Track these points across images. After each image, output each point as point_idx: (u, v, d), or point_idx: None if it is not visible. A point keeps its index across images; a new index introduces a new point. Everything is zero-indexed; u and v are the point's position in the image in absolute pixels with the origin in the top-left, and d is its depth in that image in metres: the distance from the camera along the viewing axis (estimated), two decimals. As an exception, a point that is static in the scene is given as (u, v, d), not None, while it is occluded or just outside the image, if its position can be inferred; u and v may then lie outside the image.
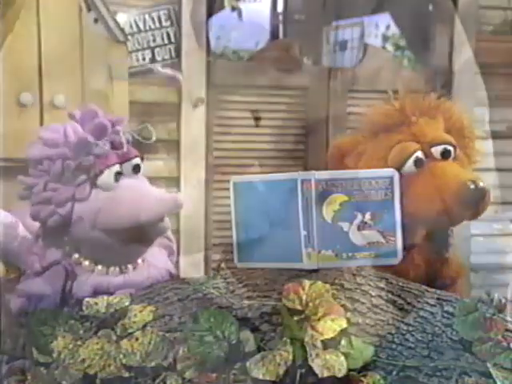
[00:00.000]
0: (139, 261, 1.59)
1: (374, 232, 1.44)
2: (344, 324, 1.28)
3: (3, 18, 2.27)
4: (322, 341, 1.26)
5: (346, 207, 1.42)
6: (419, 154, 1.65)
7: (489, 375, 1.26)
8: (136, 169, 1.57)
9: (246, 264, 1.50)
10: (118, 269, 1.55)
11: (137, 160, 1.57)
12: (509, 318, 1.33)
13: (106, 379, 1.34)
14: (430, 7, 3.14)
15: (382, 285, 1.42)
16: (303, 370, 1.26)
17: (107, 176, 1.51)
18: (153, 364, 1.33)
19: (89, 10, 2.45)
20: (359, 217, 1.43)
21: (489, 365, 1.27)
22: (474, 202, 1.60)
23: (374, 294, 1.39)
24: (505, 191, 2.81)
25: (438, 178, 1.63)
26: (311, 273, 1.40)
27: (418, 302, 1.39)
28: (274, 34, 3.62)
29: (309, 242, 1.41)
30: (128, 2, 2.68)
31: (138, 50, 2.71)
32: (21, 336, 1.44)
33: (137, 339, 1.35)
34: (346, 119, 2.96)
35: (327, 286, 1.32)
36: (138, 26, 2.70)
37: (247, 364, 1.28)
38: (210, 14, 2.83)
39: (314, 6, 3.47)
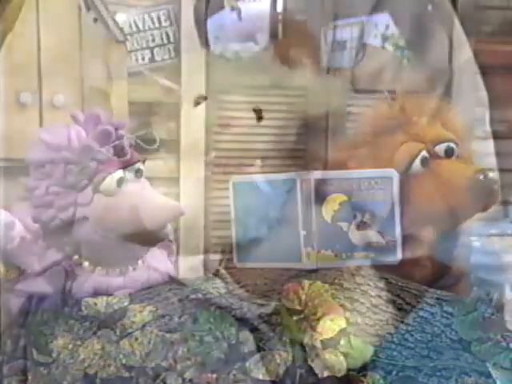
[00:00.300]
0: (139, 262, 1.59)
1: (373, 232, 1.44)
2: (343, 324, 1.29)
3: (2, 17, 2.27)
4: (321, 341, 1.26)
5: (346, 207, 1.43)
6: (424, 153, 1.64)
7: (488, 375, 1.26)
8: (138, 173, 1.56)
9: (245, 264, 1.50)
10: (117, 270, 1.56)
11: (139, 164, 1.57)
12: (508, 318, 1.33)
13: (105, 379, 1.34)
14: (430, 7, 3.13)
15: (381, 285, 1.41)
16: (303, 370, 1.27)
17: (110, 182, 1.50)
18: (153, 364, 1.33)
19: (88, 9, 2.45)
20: (359, 217, 1.43)
21: (488, 365, 1.27)
22: (486, 193, 1.59)
23: (373, 293, 1.39)
24: (505, 191, 2.80)
25: (446, 175, 1.62)
26: (311, 273, 1.40)
27: (418, 301, 1.39)
28: (273, 34, 3.61)
29: (308, 242, 1.41)
30: (127, 1, 2.68)
31: (137, 50, 2.71)
32: (21, 336, 1.44)
33: (136, 339, 1.35)
34: (346, 119, 2.95)
35: (326, 285, 1.33)
36: (137, 25, 2.70)
37: (247, 364, 1.28)
38: (209, 14, 2.83)
39: (313, 5, 3.46)
